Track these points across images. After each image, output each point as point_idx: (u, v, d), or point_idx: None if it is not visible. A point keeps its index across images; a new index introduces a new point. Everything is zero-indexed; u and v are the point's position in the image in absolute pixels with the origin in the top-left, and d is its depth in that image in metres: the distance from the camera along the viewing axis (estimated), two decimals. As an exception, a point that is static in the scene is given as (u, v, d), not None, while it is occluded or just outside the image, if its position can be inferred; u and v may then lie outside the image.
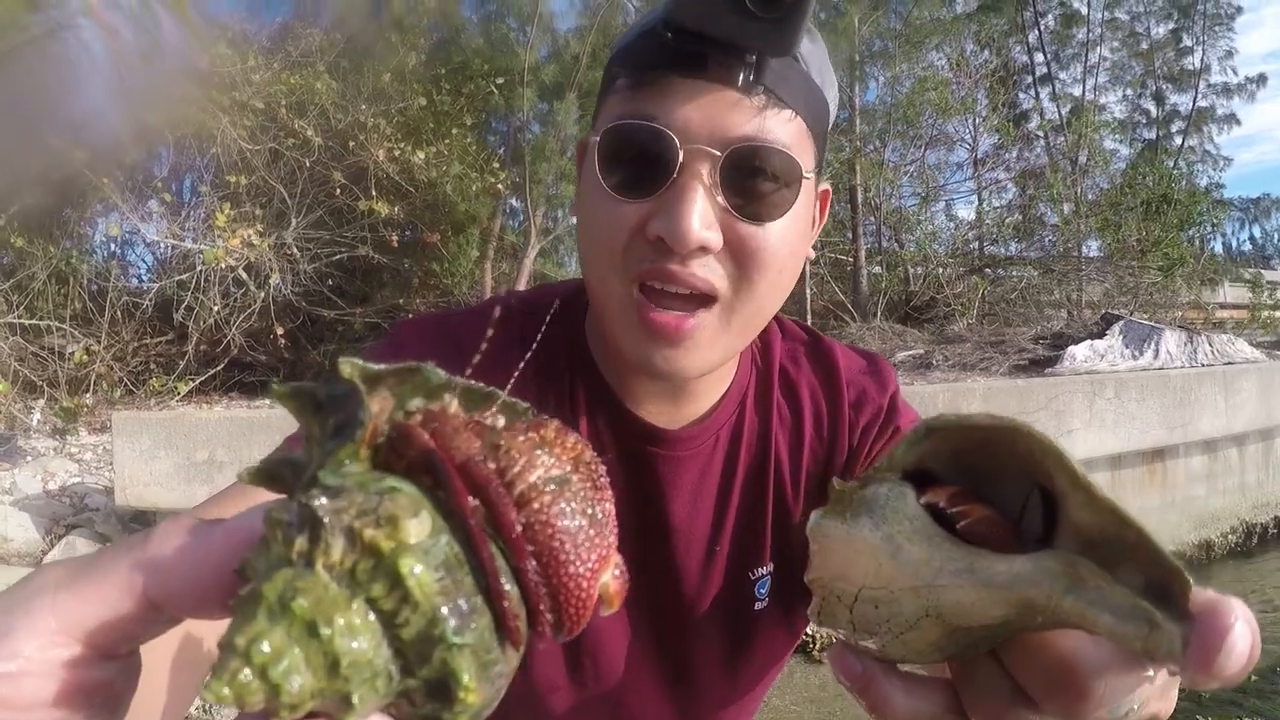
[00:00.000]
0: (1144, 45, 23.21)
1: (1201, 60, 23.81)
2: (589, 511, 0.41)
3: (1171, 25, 23.56)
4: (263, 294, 8.81)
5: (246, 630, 0.35)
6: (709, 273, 0.93)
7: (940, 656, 0.50)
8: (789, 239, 0.96)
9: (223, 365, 8.91)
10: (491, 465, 0.40)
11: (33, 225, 8.56)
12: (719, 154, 0.90)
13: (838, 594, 0.52)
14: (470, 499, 0.39)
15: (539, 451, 0.41)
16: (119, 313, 9.00)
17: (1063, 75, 21.52)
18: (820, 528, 0.54)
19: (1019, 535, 0.50)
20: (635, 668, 1.16)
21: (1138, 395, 6.73)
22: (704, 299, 0.94)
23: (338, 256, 9.46)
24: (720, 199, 0.91)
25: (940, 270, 14.79)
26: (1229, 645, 0.40)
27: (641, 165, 0.91)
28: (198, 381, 8.59)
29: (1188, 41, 23.77)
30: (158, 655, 0.67)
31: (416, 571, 0.36)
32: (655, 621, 1.15)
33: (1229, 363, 8.84)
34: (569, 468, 0.42)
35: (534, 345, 1.09)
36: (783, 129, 0.92)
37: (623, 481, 1.11)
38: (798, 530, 1.16)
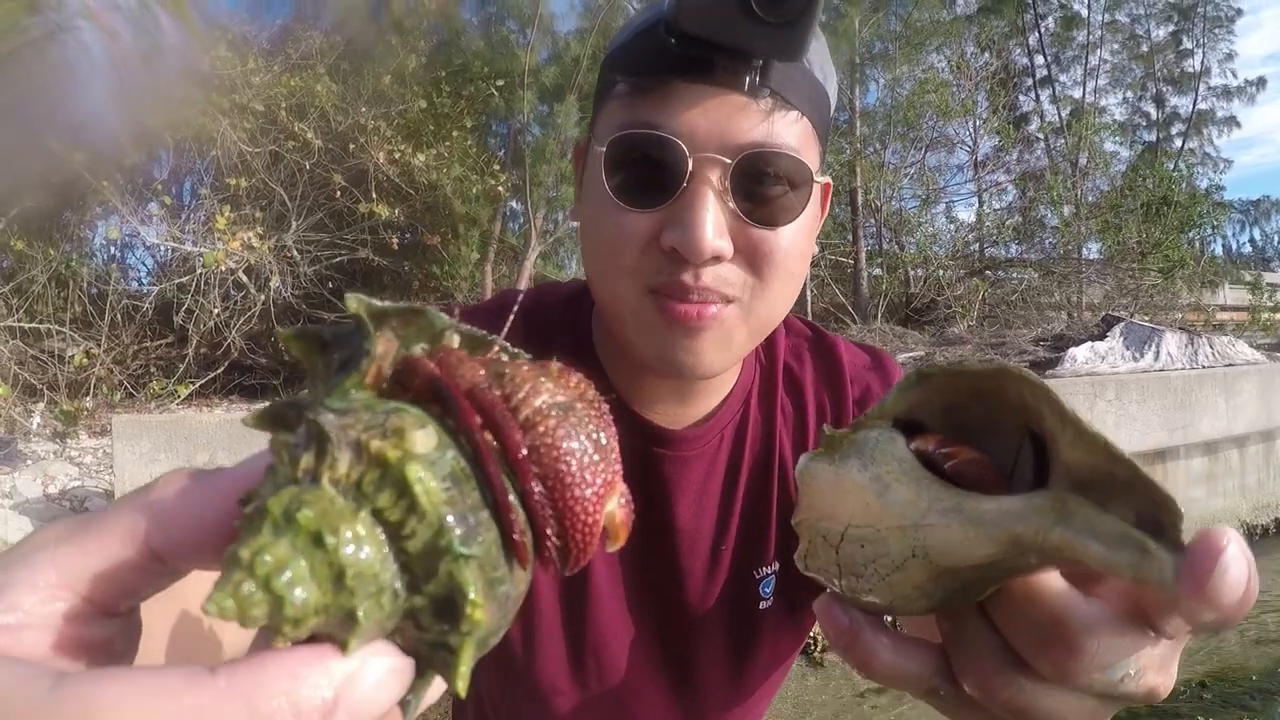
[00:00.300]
0: (1144, 48, 23.31)
1: (1201, 63, 23.91)
2: (594, 437, 0.41)
3: (1172, 28, 23.64)
4: (263, 297, 8.80)
5: (250, 543, 0.35)
6: (724, 282, 0.92)
7: (927, 604, 0.48)
8: (799, 241, 0.96)
9: (223, 368, 8.89)
10: (497, 392, 0.40)
11: (33, 228, 8.54)
12: (729, 161, 0.89)
13: (823, 534, 0.51)
14: (477, 418, 0.39)
15: (543, 379, 0.41)
16: (119, 316, 8.98)
17: (1063, 77, 21.65)
18: (808, 469, 0.53)
19: (1011, 487, 0.49)
20: (639, 669, 1.15)
21: (1138, 397, 6.73)
22: (721, 299, 0.93)
23: (338, 259, 9.45)
24: (731, 205, 0.90)
25: (941, 272, 14.80)
26: (1222, 566, 0.39)
27: (650, 175, 0.90)
28: (198, 384, 8.58)
29: (1188, 44, 23.89)
30: (155, 636, 0.66)
31: (424, 479, 0.36)
32: (660, 623, 1.15)
33: (1229, 364, 8.85)
34: (574, 397, 0.42)
35: (536, 341, 1.09)
36: (789, 131, 0.91)
37: (627, 483, 1.10)
38: None
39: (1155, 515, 0.41)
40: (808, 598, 1.20)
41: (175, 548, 0.40)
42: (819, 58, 0.96)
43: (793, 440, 1.18)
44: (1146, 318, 11.56)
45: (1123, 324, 9.88)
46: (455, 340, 0.44)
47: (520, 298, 1.15)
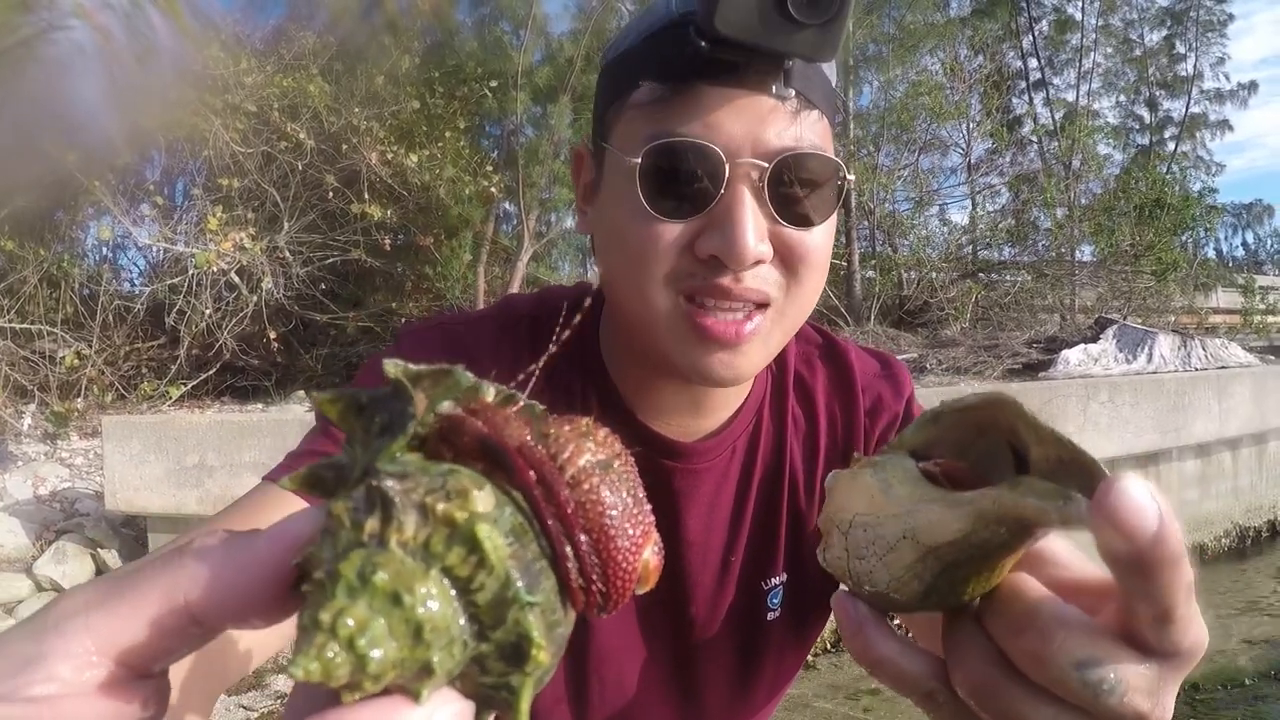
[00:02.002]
0: (1137, 51, 23.35)
1: (1194, 66, 23.97)
2: (634, 492, 0.44)
3: (1165, 32, 23.71)
4: (255, 298, 8.79)
5: (329, 606, 0.37)
6: (762, 283, 0.92)
7: (919, 585, 0.54)
8: (829, 236, 0.97)
9: (215, 369, 8.89)
10: (542, 450, 0.42)
11: (24, 229, 8.53)
12: (766, 165, 0.89)
13: (836, 523, 0.58)
14: (532, 474, 0.41)
15: (584, 439, 0.44)
16: (110, 317, 8.97)
17: (1056, 80, 21.67)
18: (833, 478, 0.60)
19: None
20: (643, 684, 1.14)
21: (1131, 399, 6.74)
22: (757, 306, 0.93)
23: (330, 260, 9.45)
24: (769, 209, 0.90)
25: (934, 275, 14.82)
26: (1120, 491, 0.42)
27: (687, 183, 0.89)
28: (189, 386, 8.58)
29: (1180, 48, 23.94)
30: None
31: (492, 536, 0.38)
32: (666, 636, 1.14)
33: (1222, 367, 8.87)
34: (611, 455, 0.44)
35: (547, 351, 1.08)
36: (814, 130, 0.92)
37: None
38: (811, 539, 1.15)
39: (1090, 482, 0.47)
40: (814, 609, 1.20)
41: (217, 611, 0.41)
42: None
43: (803, 451, 1.17)
44: (1139, 320, 11.58)
45: (1116, 326, 9.91)
46: (490, 392, 0.46)
47: (504, 317, 1.14)
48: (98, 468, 6.24)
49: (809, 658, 4.86)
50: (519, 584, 0.39)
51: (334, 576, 0.37)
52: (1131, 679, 0.47)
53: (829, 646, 5.51)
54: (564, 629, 0.42)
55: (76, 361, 8.38)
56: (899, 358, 1.28)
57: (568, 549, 0.41)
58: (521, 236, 10.24)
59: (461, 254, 10.19)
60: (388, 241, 9.44)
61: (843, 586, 0.60)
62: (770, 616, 1.15)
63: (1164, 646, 0.47)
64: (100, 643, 0.39)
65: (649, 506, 0.45)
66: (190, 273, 8.60)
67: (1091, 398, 6.55)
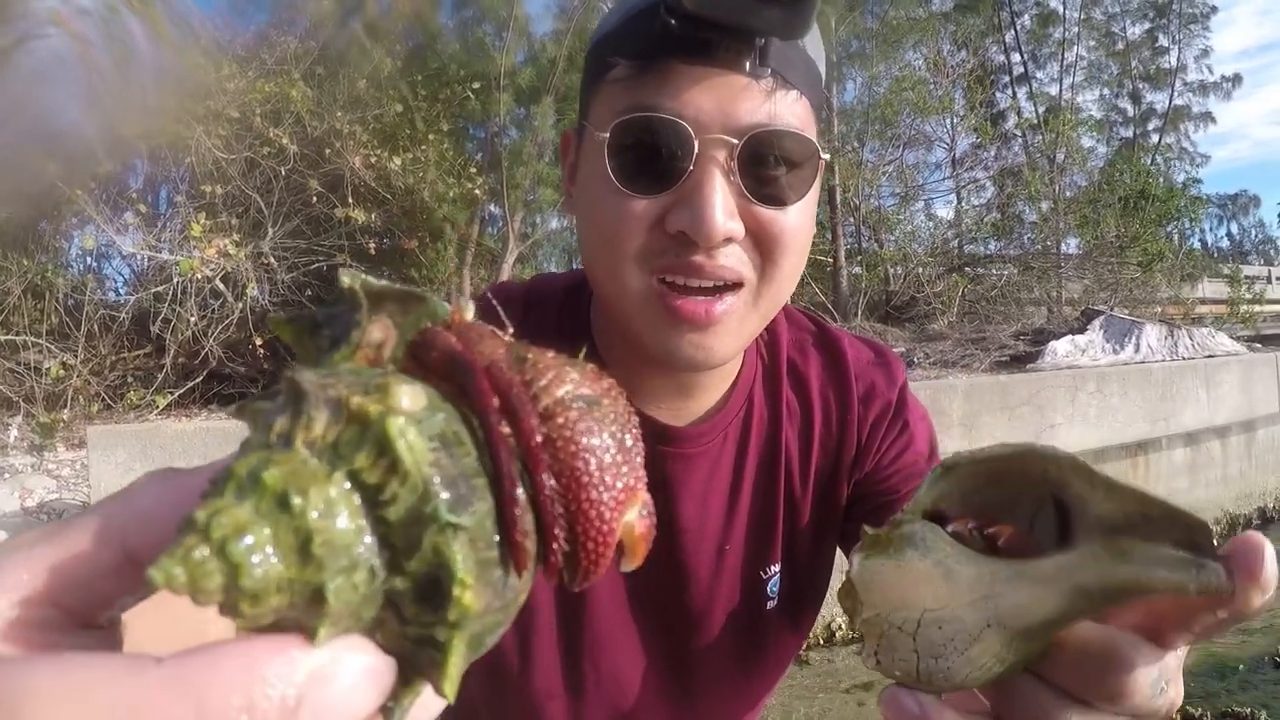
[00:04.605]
0: (1120, 45, 23.41)
1: (1177, 59, 24.05)
2: (618, 436, 0.37)
3: (1148, 25, 23.79)
4: (240, 305, 8.75)
5: (207, 505, 0.31)
6: (734, 261, 0.91)
7: (1001, 669, 0.51)
8: (806, 218, 0.96)
9: (201, 377, 8.84)
10: (516, 375, 0.36)
11: (7, 239, 8.49)
12: (735, 142, 0.88)
13: (899, 624, 0.54)
14: (494, 399, 0.35)
15: (569, 369, 0.37)
16: (96, 326, 8.92)
17: (1040, 74, 21.74)
18: (866, 568, 0.56)
19: (1039, 550, 0.53)
20: (639, 674, 1.14)
21: (1119, 389, 6.78)
22: (730, 285, 0.92)
23: (316, 265, 9.40)
24: (739, 186, 0.90)
25: (920, 269, 14.89)
26: (1258, 551, 0.45)
27: (655, 158, 0.89)
28: (176, 394, 8.53)
29: (1163, 41, 24.01)
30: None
31: (407, 434, 0.32)
32: (662, 626, 1.13)
33: (1210, 355, 8.92)
34: (600, 392, 0.37)
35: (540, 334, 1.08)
36: (791, 110, 0.91)
37: None
38: (806, 529, 1.15)
39: (1191, 539, 0.46)
40: (809, 597, 1.19)
41: (151, 548, 0.35)
42: (811, 35, 0.96)
43: (798, 439, 1.16)
44: (1126, 311, 11.63)
45: (1103, 317, 9.96)
46: (470, 309, 0.39)
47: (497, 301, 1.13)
48: (85, 479, 6.20)
49: (801, 652, 4.87)
50: (440, 498, 0.32)
51: (225, 476, 0.31)
52: (1170, 674, 0.51)
53: (821, 641, 5.52)
54: (503, 574, 0.34)
55: (62, 372, 8.32)
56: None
57: (518, 492, 0.34)
58: (506, 239, 10.24)
59: (446, 257, 10.16)
60: (372, 245, 9.41)
61: (894, 676, 0.56)
62: (769, 606, 1.15)
63: (1186, 639, 0.51)
64: (36, 579, 0.35)
65: (640, 459, 0.38)
66: (175, 280, 8.55)
67: (1079, 388, 6.58)
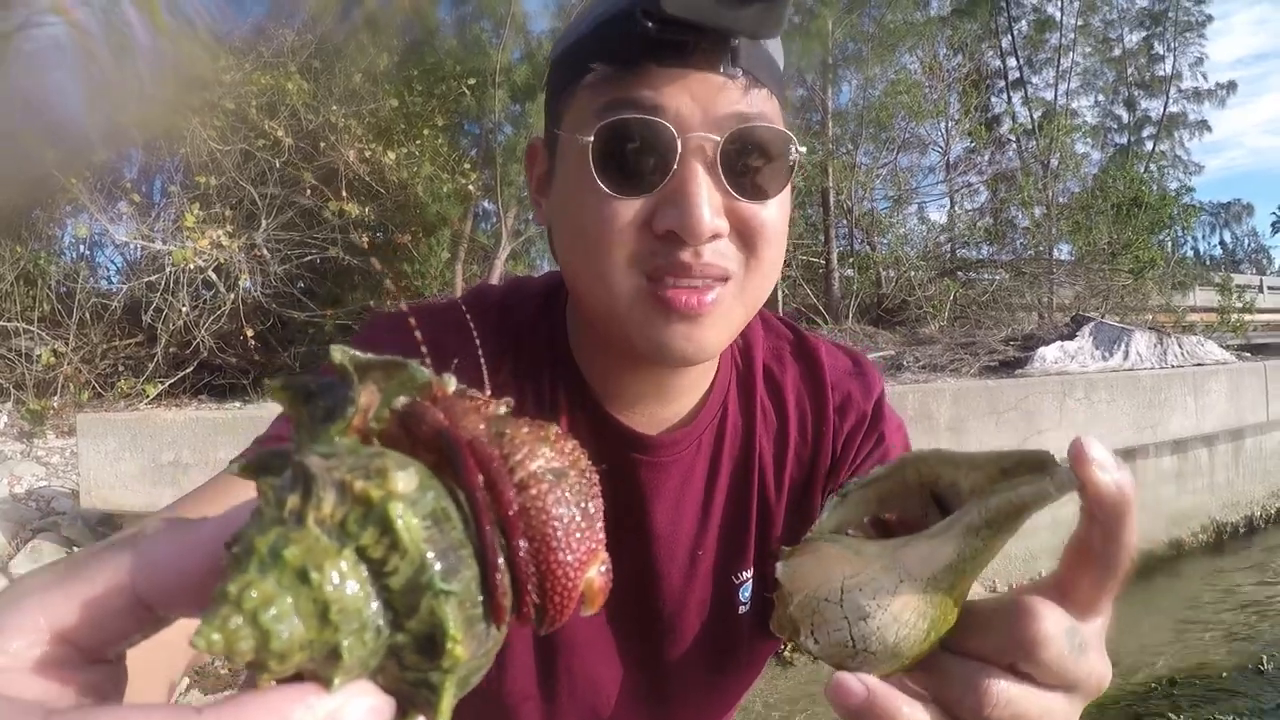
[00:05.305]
0: (1116, 51, 23.43)
1: (1172, 67, 24.08)
2: (583, 505, 0.43)
3: (1144, 33, 23.81)
4: (232, 296, 8.76)
5: (238, 579, 0.36)
6: (721, 257, 0.92)
7: (926, 625, 0.56)
8: (785, 211, 0.98)
9: (192, 368, 8.85)
10: (495, 450, 0.41)
11: (0, 225, 8.47)
12: (717, 139, 0.90)
13: (825, 596, 0.59)
14: (479, 476, 0.41)
15: (541, 444, 0.43)
16: (87, 315, 8.92)
17: (1035, 80, 21.70)
18: (790, 566, 0.62)
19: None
20: (612, 677, 1.14)
21: (1108, 396, 6.79)
22: (718, 279, 0.94)
23: (308, 258, 9.41)
24: (723, 183, 0.91)
25: (912, 273, 14.88)
26: (1083, 441, 0.52)
27: (639, 159, 0.90)
28: (167, 384, 8.54)
29: (1159, 48, 24.04)
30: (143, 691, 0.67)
31: (405, 516, 0.38)
32: (635, 630, 1.14)
33: (1199, 364, 8.94)
34: (568, 464, 0.43)
35: (514, 340, 1.10)
36: (766, 107, 0.93)
37: (603, 488, 1.06)
38: (779, 537, 1.16)
39: (1039, 463, 0.54)
40: None
41: (161, 595, 0.41)
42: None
43: (773, 447, 1.16)
44: (1116, 318, 11.65)
45: (1092, 324, 9.98)
46: (452, 386, 0.45)
47: (473, 306, 1.13)
48: (74, 466, 6.18)
49: (786, 656, 4.89)
50: (434, 569, 0.37)
51: (249, 551, 0.37)
52: (1085, 634, 0.56)
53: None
54: (485, 627, 0.40)
55: (53, 359, 8.31)
56: (877, 355, 1.29)
57: (499, 558, 0.40)
58: (500, 234, 10.21)
59: (439, 252, 10.15)
60: (367, 239, 9.42)
61: (840, 659, 0.59)
62: (741, 610, 1.15)
63: (1100, 606, 0.57)
64: (53, 622, 0.39)
65: (601, 524, 0.43)
66: (167, 270, 8.55)
67: (1068, 394, 6.59)
